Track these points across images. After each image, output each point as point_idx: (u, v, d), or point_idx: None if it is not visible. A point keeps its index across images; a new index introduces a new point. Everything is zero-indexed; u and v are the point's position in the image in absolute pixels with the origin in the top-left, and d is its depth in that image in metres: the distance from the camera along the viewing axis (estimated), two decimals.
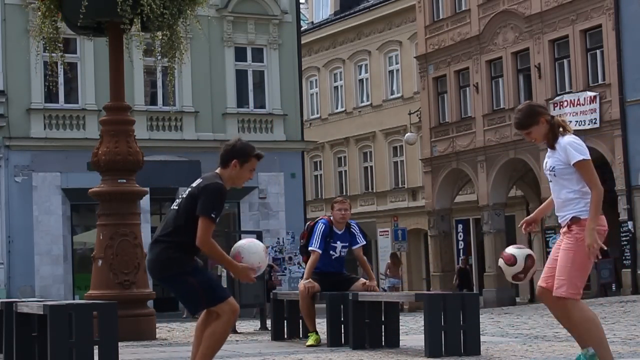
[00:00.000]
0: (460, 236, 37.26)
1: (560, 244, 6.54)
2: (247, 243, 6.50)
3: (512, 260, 6.72)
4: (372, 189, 41.80)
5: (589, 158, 6.44)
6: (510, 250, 6.81)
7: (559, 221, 6.57)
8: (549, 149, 6.62)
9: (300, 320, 10.74)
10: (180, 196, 6.43)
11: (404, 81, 40.03)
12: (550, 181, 6.58)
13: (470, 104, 34.13)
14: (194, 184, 6.34)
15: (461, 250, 36.48)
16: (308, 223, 10.68)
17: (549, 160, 6.59)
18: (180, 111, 29.50)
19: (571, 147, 6.45)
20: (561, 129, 6.55)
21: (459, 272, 33.08)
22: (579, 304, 6.44)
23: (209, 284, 6.34)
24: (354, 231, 10.34)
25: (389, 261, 32.82)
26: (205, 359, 6.29)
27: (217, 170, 6.37)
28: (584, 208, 6.42)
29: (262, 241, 14.41)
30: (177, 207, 6.33)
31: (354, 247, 10.34)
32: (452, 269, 35.16)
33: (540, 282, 6.61)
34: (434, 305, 8.47)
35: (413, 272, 39.76)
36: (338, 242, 10.24)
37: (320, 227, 10.17)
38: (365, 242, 10.60)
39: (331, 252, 10.22)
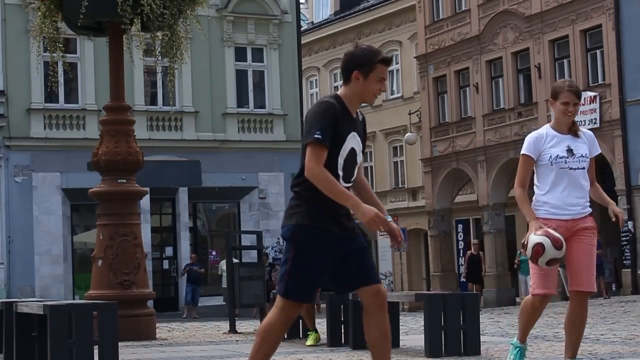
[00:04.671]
0: (460, 236, 37.26)
1: (575, 242, 6.34)
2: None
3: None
4: (372, 188, 41.66)
5: None
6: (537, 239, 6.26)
7: (572, 215, 6.38)
8: (567, 136, 6.45)
9: (300, 320, 10.75)
10: None
11: (404, 81, 40.05)
12: (575, 169, 6.38)
13: (470, 104, 34.13)
14: None
15: (461, 250, 36.47)
16: None
17: (579, 147, 6.42)
18: (180, 111, 29.50)
19: (595, 139, 6.50)
20: None
21: (468, 258, 30.71)
22: None
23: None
24: None
25: None
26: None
27: (340, 90, 5.19)
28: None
29: (262, 241, 14.48)
30: None
31: None
32: (452, 269, 35.12)
33: (575, 287, 6.38)
34: (434, 305, 8.47)
35: (413, 272, 39.76)
36: None
37: None
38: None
39: None
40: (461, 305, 8.51)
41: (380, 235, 39.31)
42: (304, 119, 5.09)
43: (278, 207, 30.46)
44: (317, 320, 10.27)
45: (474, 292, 27.59)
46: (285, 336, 10.96)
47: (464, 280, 31.93)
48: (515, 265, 30.26)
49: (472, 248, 31.27)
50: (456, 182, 35.35)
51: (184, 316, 26.91)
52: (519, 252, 30.39)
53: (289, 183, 26.54)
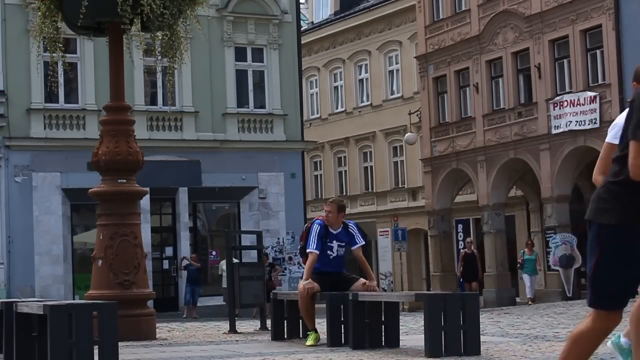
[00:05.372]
0: (460, 236, 37.27)
1: None
2: None
3: None
4: (372, 189, 41.81)
5: None
6: None
7: None
8: None
9: (300, 320, 10.74)
10: None
11: (404, 81, 40.05)
12: None
13: (470, 104, 34.13)
14: None
15: (461, 250, 36.46)
16: (306, 225, 10.69)
17: None
18: (180, 111, 29.52)
19: None
20: None
21: (463, 257, 30.20)
22: None
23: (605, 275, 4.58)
24: (352, 231, 10.32)
25: None
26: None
27: None
28: None
29: (262, 241, 14.49)
30: None
31: (353, 248, 10.33)
32: (452, 268, 35.11)
33: None
34: (434, 305, 8.47)
35: (413, 272, 39.75)
36: (334, 242, 10.24)
37: (315, 229, 10.18)
38: (364, 242, 10.58)
39: (329, 252, 10.22)
40: (461, 305, 8.52)
41: (380, 235, 39.36)
42: (633, 105, 4.47)
43: (278, 207, 30.49)
44: (317, 320, 10.26)
45: (472, 290, 27.58)
46: (285, 336, 10.97)
47: (462, 279, 31.90)
48: (519, 265, 30.22)
49: (467, 247, 31.20)
50: (456, 182, 35.35)
51: (184, 316, 26.92)
52: (522, 251, 30.36)
53: (289, 183, 26.54)
